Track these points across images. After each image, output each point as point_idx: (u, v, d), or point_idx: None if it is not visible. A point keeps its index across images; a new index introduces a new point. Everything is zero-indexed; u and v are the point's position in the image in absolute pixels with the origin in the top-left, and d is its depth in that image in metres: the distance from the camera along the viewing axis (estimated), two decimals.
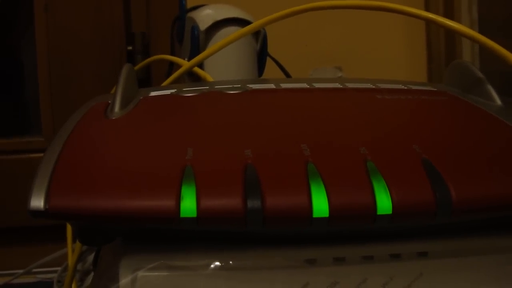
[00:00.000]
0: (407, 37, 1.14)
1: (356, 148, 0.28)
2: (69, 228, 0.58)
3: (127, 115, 0.33)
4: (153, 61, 0.60)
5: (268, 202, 0.24)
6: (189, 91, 0.36)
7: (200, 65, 0.53)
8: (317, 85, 0.38)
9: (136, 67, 0.51)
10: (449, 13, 1.06)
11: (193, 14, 0.59)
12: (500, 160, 0.28)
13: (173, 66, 0.60)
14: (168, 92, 0.37)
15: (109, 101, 0.34)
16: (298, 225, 0.25)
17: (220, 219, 0.25)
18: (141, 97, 0.35)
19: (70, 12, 0.98)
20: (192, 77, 0.53)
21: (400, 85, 0.38)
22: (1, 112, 1.09)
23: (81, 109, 0.34)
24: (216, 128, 0.31)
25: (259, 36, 0.58)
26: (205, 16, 0.58)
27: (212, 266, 0.26)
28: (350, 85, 0.38)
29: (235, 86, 0.37)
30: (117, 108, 0.33)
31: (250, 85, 0.37)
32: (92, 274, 0.61)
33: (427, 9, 1.10)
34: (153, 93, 0.36)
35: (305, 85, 0.38)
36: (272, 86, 0.38)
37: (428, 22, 0.47)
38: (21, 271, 0.82)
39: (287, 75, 0.64)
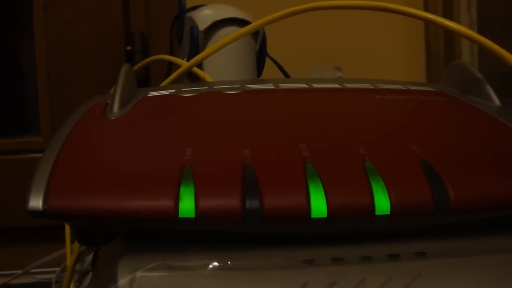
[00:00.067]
0: (406, 37, 1.14)
1: (354, 148, 0.28)
2: (67, 228, 0.58)
3: (126, 115, 0.33)
4: (152, 61, 0.60)
5: (266, 202, 0.25)
6: (188, 91, 0.36)
7: (199, 65, 0.53)
8: (316, 85, 0.38)
9: (135, 67, 0.51)
10: (448, 13, 1.06)
11: (192, 14, 0.59)
12: (499, 160, 0.28)
13: (172, 66, 0.60)
14: (167, 92, 0.37)
15: (108, 101, 0.34)
16: (296, 225, 0.25)
17: (218, 219, 0.25)
18: (140, 97, 0.35)
19: (69, 11, 0.98)
20: (191, 77, 0.53)
21: (399, 86, 0.38)
22: (0, 112, 1.09)
23: (80, 109, 0.34)
24: (215, 128, 0.31)
25: (258, 36, 0.58)
26: (204, 16, 0.58)
27: (210, 266, 0.26)
28: (349, 86, 0.38)
29: (234, 86, 0.37)
30: (116, 108, 0.33)
31: (249, 85, 0.37)
32: (91, 274, 0.61)
33: (426, 9, 1.10)
34: (152, 93, 0.36)
35: (304, 85, 0.38)
36: (271, 86, 0.38)
37: (427, 22, 0.47)
38: (19, 271, 0.82)
39: (286, 75, 0.64)
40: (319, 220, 0.25)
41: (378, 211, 0.25)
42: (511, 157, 0.28)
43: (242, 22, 0.57)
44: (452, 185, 0.25)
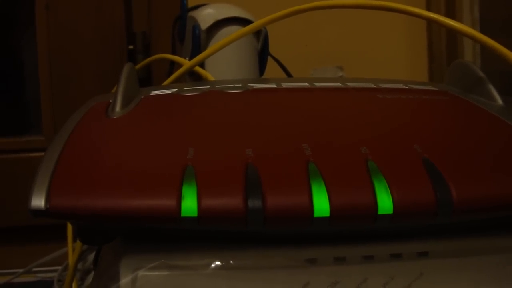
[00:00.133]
0: (408, 36, 1.14)
1: (357, 148, 0.28)
2: (69, 227, 0.58)
3: (128, 114, 0.33)
4: (154, 61, 0.60)
5: (269, 202, 0.24)
6: (190, 91, 0.36)
7: (201, 65, 0.53)
8: (318, 85, 0.38)
9: (137, 67, 0.51)
10: (451, 13, 1.06)
11: (194, 14, 0.59)
12: (501, 160, 0.28)
13: (174, 66, 0.60)
14: (169, 91, 0.37)
15: (110, 101, 0.34)
16: (299, 224, 0.25)
17: (221, 219, 0.25)
18: (142, 97, 0.35)
19: (71, 11, 0.98)
20: (193, 77, 0.53)
21: (401, 85, 0.38)
22: (1, 111, 1.09)
23: (81, 108, 0.34)
24: (217, 127, 0.31)
25: (260, 36, 0.58)
26: (206, 16, 0.58)
27: (212, 265, 0.26)
28: (351, 85, 0.38)
29: (236, 85, 0.37)
30: (118, 107, 0.33)
31: (251, 85, 0.37)
32: (93, 273, 0.61)
33: (428, 8, 1.10)
34: (154, 93, 0.36)
35: (306, 85, 0.38)
36: (273, 85, 0.38)
37: (430, 21, 0.47)
38: (21, 270, 0.82)
39: (288, 74, 0.64)
40: (321, 219, 0.25)
41: (381, 211, 0.25)
42: None
43: (244, 21, 0.57)
44: (455, 185, 0.25)
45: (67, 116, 0.33)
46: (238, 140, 0.29)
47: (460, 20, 1.03)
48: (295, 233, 0.27)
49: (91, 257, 0.69)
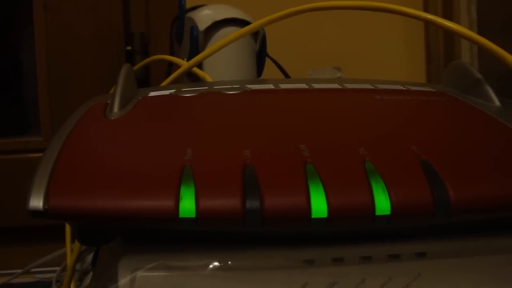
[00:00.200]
0: (406, 37, 1.14)
1: (354, 149, 0.28)
2: (68, 228, 0.58)
3: (126, 115, 0.33)
4: (152, 61, 0.60)
5: (267, 203, 0.25)
6: (188, 91, 0.36)
7: (199, 66, 0.53)
8: (316, 86, 0.38)
9: (135, 67, 0.51)
10: (448, 14, 1.06)
11: (192, 14, 0.59)
12: (499, 161, 0.28)
13: (172, 66, 0.60)
14: (167, 92, 0.37)
15: (108, 101, 0.34)
16: (297, 225, 0.25)
17: (219, 220, 0.25)
18: (140, 97, 0.35)
19: (69, 11, 0.98)
20: (191, 77, 0.53)
21: (399, 86, 0.39)
22: (0, 112, 1.09)
23: (80, 109, 0.34)
24: (215, 128, 0.31)
25: (258, 37, 0.58)
26: (204, 16, 0.58)
27: (211, 266, 0.26)
28: (349, 86, 0.38)
29: (234, 86, 0.37)
30: (116, 108, 0.33)
31: (249, 86, 0.37)
32: (91, 274, 0.61)
33: (426, 9, 1.10)
34: (152, 93, 0.36)
35: (304, 86, 0.38)
36: (271, 86, 0.38)
37: (427, 23, 0.47)
38: (20, 271, 0.82)
39: (286, 75, 0.64)
40: (319, 220, 0.25)
41: (379, 212, 0.25)
42: (511, 158, 0.28)
43: (242, 22, 0.57)
44: (452, 186, 0.26)
45: (66, 117, 0.33)
46: (236, 141, 0.29)
47: (457, 21, 1.03)
48: (293, 233, 0.27)
49: (89, 257, 0.69)
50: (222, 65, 0.56)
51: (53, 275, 0.78)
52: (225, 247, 0.27)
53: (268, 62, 0.60)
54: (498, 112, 0.34)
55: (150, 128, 0.31)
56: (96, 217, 0.25)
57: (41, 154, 0.28)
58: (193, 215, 0.24)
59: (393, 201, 0.25)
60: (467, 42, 1.02)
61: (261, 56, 0.58)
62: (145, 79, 0.98)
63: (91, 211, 0.25)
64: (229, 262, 0.26)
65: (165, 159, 0.27)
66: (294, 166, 0.26)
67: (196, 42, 0.56)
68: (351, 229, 0.27)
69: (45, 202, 0.25)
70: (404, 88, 0.38)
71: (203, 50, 0.55)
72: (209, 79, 0.49)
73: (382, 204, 0.25)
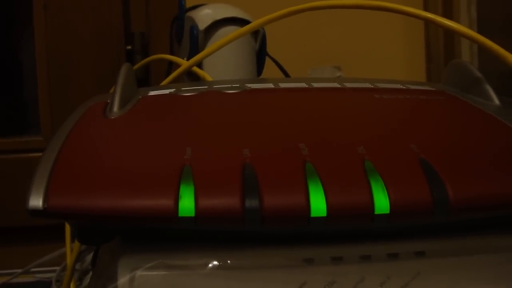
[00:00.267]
0: (406, 36, 1.14)
1: (354, 148, 0.28)
2: (67, 227, 0.58)
3: (126, 114, 0.33)
4: (152, 61, 0.60)
5: (266, 202, 0.25)
6: (188, 91, 0.36)
7: (199, 65, 0.53)
8: (315, 85, 0.38)
9: (135, 67, 0.51)
10: (448, 13, 1.06)
11: (192, 14, 0.59)
12: (498, 159, 0.28)
13: (172, 66, 0.60)
14: (167, 91, 0.37)
15: (108, 101, 0.34)
16: (296, 224, 0.25)
17: (218, 219, 0.25)
18: (140, 97, 0.35)
19: (69, 11, 0.98)
20: (191, 77, 0.53)
21: (399, 85, 0.39)
22: (0, 112, 1.09)
23: (79, 108, 0.34)
24: (214, 127, 0.31)
25: (258, 36, 0.58)
26: (204, 16, 0.58)
27: (210, 265, 0.26)
28: (349, 85, 0.38)
29: (233, 85, 0.37)
30: (116, 107, 0.33)
31: (249, 85, 0.37)
32: (91, 273, 0.61)
33: (426, 8, 1.10)
34: (152, 93, 0.36)
35: (303, 85, 0.38)
36: (270, 85, 0.38)
37: (427, 22, 0.47)
38: (19, 270, 0.82)
39: (286, 74, 0.64)
40: (318, 219, 0.25)
41: (378, 210, 0.25)
42: (510, 156, 0.28)
43: (242, 22, 0.57)
44: (451, 184, 0.26)
45: (65, 117, 0.33)
46: (235, 140, 0.29)
47: (457, 20, 1.03)
48: (292, 232, 0.27)
49: (89, 257, 0.69)
50: (222, 64, 0.56)
51: (53, 275, 0.78)
52: (225, 246, 0.27)
53: (268, 61, 0.60)
54: (498, 111, 0.34)
55: (150, 128, 0.31)
56: (95, 216, 0.25)
57: (40, 154, 0.28)
58: (192, 214, 0.24)
59: (392, 200, 0.25)
60: (467, 41, 1.02)
61: (261, 55, 0.58)
62: (145, 79, 0.98)
63: (90, 211, 0.25)
64: (228, 261, 0.26)
65: (165, 158, 0.27)
66: (293, 165, 0.26)
67: (196, 41, 0.56)
68: (350, 228, 0.27)
69: (44, 201, 0.25)
70: (404, 87, 0.38)
71: (203, 49, 0.55)
72: (209, 78, 0.49)
73: (381, 203, 0.25)
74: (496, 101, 0.35)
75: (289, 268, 0.26)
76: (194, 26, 0.57)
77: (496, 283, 0.27)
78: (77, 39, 0.98)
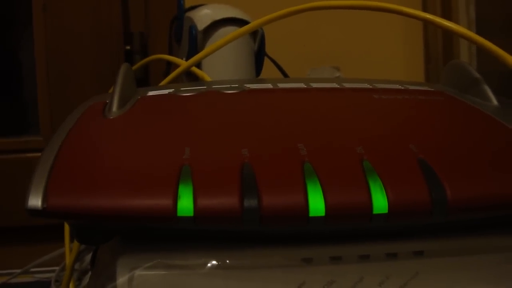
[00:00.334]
0: (404, 37, 1.14)
1: (352, 148, 0.28)
2: (67, 227, 0.58)
3: (125, 114, 0.33)
4: (151, 61, 0.60)
5: (264, 201, 0.25)
6: (187, 91, 0.36)
7: (198, 65, 0.53)
8: (314, 85, 0.38)
9: (134, 67, 0.51)
10: (447, 14, 1.06)
11: (191, 14, 0.59)
12: (496, 159, 0.28)
13: (171, 66, 0.60)
14: (166, 91, 0.37)
15: (107, 101, 0.34)
16: (294, 224, 0.25)
17: (217, 218, 0.25)
18: (139, 97, 0.35)
19: (68, 11, 0.98)
20: (190, 77, 0.53)
21: (397, 85, 0.39)
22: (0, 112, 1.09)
23: (79, 108, 0.34)
24: (213, 127, 0.31)
25: (257, 36, 0.58)
26: (203, 16, 0.58)
27: (209, 264, 0.26)
28: (348, 85, 0.38)
29: (232, 86, 0.37)
30: (115, 107, 0.33)
31: (248, 85, 0.38)
32: (90, 273, 0.61)
33: (424, 9, 1.10)
34: (151, 93, 0.37)
35: (302, 85, 0.38)
36: (269, 86, 0.38)
37: (426, 22, 0.47)
38: (19, 270, 0.82)
39: (285, 75, 0.64)
40: (317, 219, 0.25)
41: (376, 210, 0.25)
42: (508, 156, 0.28)
43: (241, 22, 0.57)
44: (450, 184, 0.26)
45: (65, 116, 0.33)
46: (234, 140, 0.29)
47: (456, 20, 1.03)
48: (291, 232, 0.27)
49: (88, 257, 0.69)
50: (221, 64, 0.56)
51: (52, 275, 0.77)
52: (223, 245, 0.27)
53: (266, 61, 0.60)
54: (496, 111, 0.34)
55: (149, 128, 0.31)
56: (94, 216, 0.25)
57: (40, 154, 0.28)
58: (191, 213, 0.24)
59: (391, 199, 0.25)
60: (465, 42, 1.02)
61: (259, 55, 0.58)
62: (144, 79, 0.98)
63: (89, 210, 0.25)
64: (227, 261, 0.26)
65: (164, 158, 0.27)
66: (292, 165, 0.26)
67: (195, 41, 0.56)
68: (349, 228, 0.27)
69: (43, 201, 0.25)
70: (403, 88, 0.38)
71: (202, 49, 0.56)
72: (208, 78, 0.49)
73: (380, 202, 0.25)
74: (495, 101, 0.35)
75: (288, 268, 0.26)
76: (193, 26, 0.57)
77: (496, 283, 0.27)
78: (76, 39, 0.98)
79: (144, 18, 1.02)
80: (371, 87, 0.38)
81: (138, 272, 0.26)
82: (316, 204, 0.25)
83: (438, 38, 1.11)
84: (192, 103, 0.35)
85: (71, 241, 0.57)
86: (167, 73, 0.58)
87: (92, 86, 0.97)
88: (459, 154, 0.28)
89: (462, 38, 0.39)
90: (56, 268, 0.78)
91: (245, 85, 0.37)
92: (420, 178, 0.26)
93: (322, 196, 0.25)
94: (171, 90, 0.37)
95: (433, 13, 1.02)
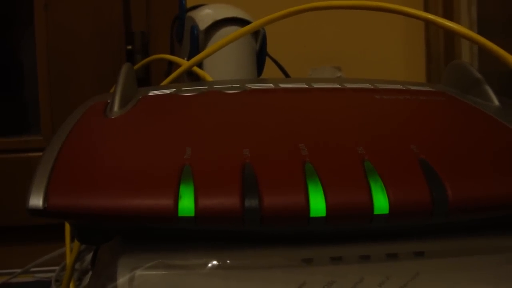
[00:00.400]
0: (406, 37, 1.14)
1: (353, 148, 0.28)
2: (67, 227, 0.58)
3: (126, 114, 0.33)
4: (153, 61, 0.60)
5: (265, 202, 0.25)
6: (188, 91, 0.36)
7: (200, 65, 0.53)
8: (315, 85, 0.38)
9: (136, 67, 0.51)
10: (449, 14, 1.06)
11: (193, 14, 0.59)
12: (497, 160, 0.28)
13: (172, 66, 0.60)
14: (167, 91, 0.37)
15: (108, 100, 0.34)
16: (295, 224, 0.25)
17: (218, 218, 0.25)
18: (140, 97, 0.35)
19: (69, 11, 0.98)
20: (191, 77, 0.53)
21: (399, 86, 0.39)
22: (0, 111, 1.09)
23: (80, 108, 0.34)
24: (214, 127, 0.31)
25: (259, 36, 0.58)
26: (204, 16, 0.58)
27: (209, 265, 0.26)
28: (349, 85, 0.38)
29: (234, 85, 0.37)
30: (116, 107, 0.33)
31: (249, 85, 0.37)
32: (90, 273, 0.61)
33: (426, 9, 1.10)
34: (152, 93, 0.37)
35: (303, 85, 0.38)
36: (271, 86, 0.38)
37: (427, 22, 0.47)
38: (19, 270, 0.82)
39: (286, 75, 0.64)
40: (318, 219, 0.25)
41: (377, 211, 0.25)
42: (509, 157, 0.28)
43: (242, 22, 0.57)
44: (451, 185, 0.26)
45: (66, 116, 0.33)
46: (235, 140, 0.29)
47: (458, 21, 1.03)
48: (291, 232, 0.27)
49: (89, 257, 0.69)
50: (222, 64, 0.56)
51: (53, 275, 0.77)
52: (224, 246, 0.27)
53: (268, 61, 0.60)
54: (497, 111, 0.34)
55: (150, 127, 0.31)
56: (95, 216, 0.25)
57: (41, 153, 0.28)
58: (192, 214, 0.24)
59: (392, 200, 0.25)
60: (467, 42, 1.02)
61: (261, 55, 0.58)
62: (146, 79, 0.98)
63: (90, 210, 0.25)
64: (228, 261, 0.26)
65: (165, 158, 0.27)
66: (293, 165, 0.26)
67: (197, 41, 0.56)
68: (349, 228, 0.27)
69: (44, 200, 0.25)
70: (404, 88, 0.38)
71: (203, 49, 0.55)
72: (209, 78, 0.49)
73: (381, 203, 0.25)
74: (496, 102, 0.35)
75: (289, 268, 0.26)
76: (194, 26, 0.57)
77: (496, 284, 0.27)
78: (77, 38, 0.98)
79: (146, 17, 1.02)
80: (372, 87, 0.38)
81: (138, 272, 0.26)
82: (317, 205, 0.25)
83: (439, 38, 1.10)
84: (194, 103, 0.35)
85: (72, 240, 0.57)
86: (168, 73, 0.58)
87: (93, 86, 0.97)
88: (460, 155, 0.28)
89: (463, 38, 0.39)
90: (57, 268, 0.78)
91: (246, 85, 0.37)
92: (421, 178, 0.26)
93: (323, 197, 0.25)
94: (172, 90, 0.37)
95: (435, 13, 1.02)
